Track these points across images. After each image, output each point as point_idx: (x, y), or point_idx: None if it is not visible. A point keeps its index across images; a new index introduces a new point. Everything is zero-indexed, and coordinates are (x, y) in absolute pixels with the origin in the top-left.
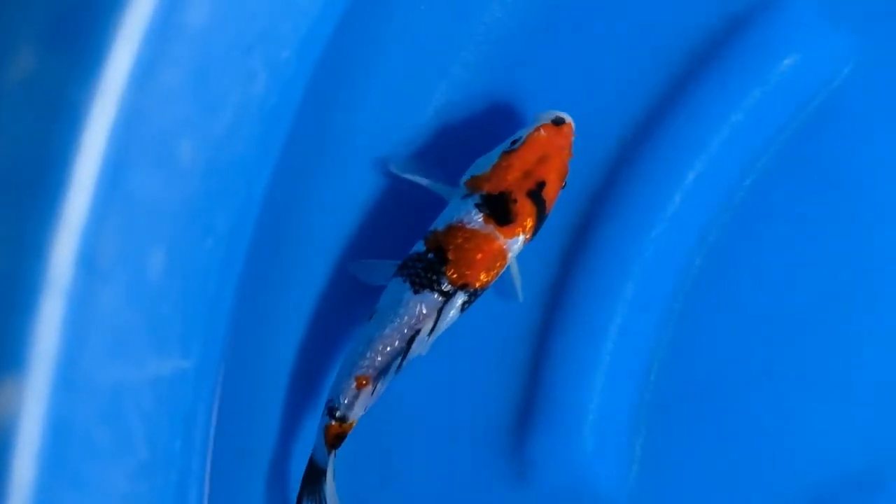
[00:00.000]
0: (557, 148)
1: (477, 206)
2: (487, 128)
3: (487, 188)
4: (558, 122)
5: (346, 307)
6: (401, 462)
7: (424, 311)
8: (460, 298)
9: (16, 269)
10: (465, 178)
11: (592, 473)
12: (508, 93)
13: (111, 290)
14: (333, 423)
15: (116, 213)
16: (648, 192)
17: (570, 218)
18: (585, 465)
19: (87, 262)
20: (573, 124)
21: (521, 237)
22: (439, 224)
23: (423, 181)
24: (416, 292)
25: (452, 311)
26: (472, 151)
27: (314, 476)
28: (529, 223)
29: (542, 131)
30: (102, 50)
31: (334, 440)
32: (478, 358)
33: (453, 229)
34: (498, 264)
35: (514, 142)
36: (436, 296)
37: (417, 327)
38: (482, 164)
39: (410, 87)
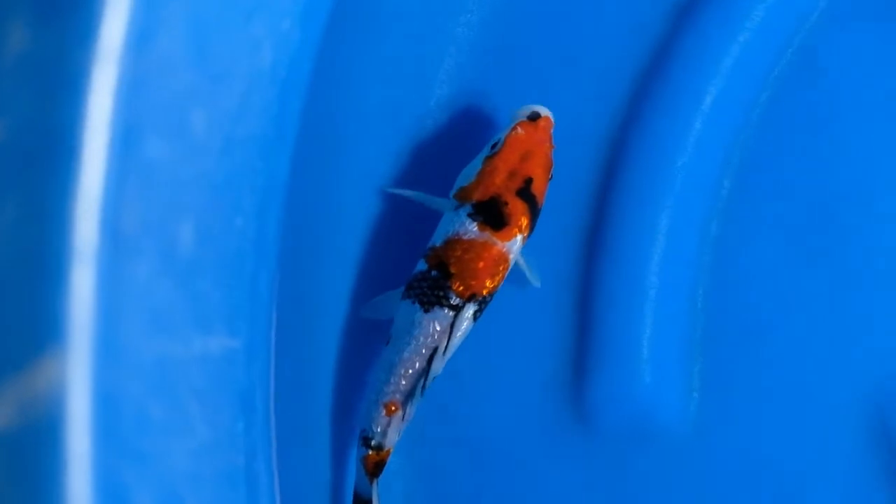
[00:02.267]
0: (538, 142)
1: (470, 215)
2: (490, 116)
3: (477, 196)
4: (534, 118)
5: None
6: (465, 420)
7: (438, 328)
8: (471, 309)
9: (41, 240)
10: (453, 191)
11: (654, 406)
12: (513, 59)
13: (143, 262)
14: (371, 452)
15: (134, 182)
16: (669, 122)
17: (598, 159)
18: (646, 399)
19: (112, 231)
20: (550, 116)
21: (519, 237)
22: (437, 239)
23: (416, 196)
24: (426, 311)
25: (465, 323)
26: (475, 142)
27: None
28: (524, 221)
29: (519, 130)
30: (95, 16)
31: (374, 469)
32: (526, 310)
33: (451, 243)
34: (501, 268)
35: (493, 145)
36: (446, 311)
37: (434, 345)
38: (467, 174)
39: (413, 71)
